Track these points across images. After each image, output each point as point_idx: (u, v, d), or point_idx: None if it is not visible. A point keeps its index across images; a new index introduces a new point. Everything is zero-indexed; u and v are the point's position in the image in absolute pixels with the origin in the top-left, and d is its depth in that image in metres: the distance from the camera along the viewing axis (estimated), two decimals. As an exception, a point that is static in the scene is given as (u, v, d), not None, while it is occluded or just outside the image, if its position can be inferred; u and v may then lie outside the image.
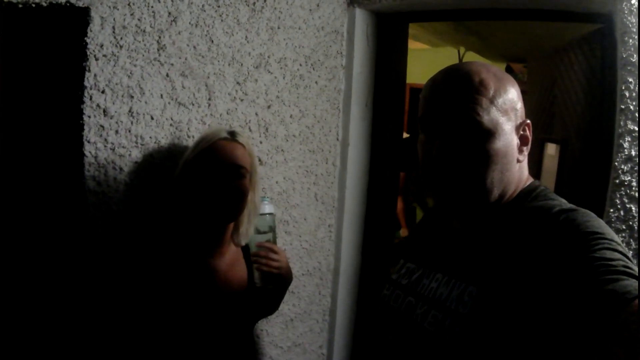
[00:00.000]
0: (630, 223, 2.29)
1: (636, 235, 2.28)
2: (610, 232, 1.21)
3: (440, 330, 1.34)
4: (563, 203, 1.36)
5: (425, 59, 6.73)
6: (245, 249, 2.14)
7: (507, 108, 1.38)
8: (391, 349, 1.56)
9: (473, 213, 1.46)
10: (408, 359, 1.46)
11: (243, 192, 1.95)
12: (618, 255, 1.13)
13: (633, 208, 2.28)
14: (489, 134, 1.34)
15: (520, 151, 1.43)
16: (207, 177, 1.87)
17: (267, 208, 2.09)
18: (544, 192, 1.44)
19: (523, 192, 1.44)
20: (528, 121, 1.44)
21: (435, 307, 1.40)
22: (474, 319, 1.28)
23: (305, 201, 2.89)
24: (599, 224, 1.23)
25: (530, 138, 1.45)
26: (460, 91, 1.37)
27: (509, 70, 5.90)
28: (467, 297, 1.32)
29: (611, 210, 2.32)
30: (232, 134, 1.96)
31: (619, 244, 1.18)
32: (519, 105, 1.43)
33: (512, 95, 1.41)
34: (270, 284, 2.07)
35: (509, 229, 1.36)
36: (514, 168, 1.42)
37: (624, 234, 2.30)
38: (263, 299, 2.16)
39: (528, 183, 1.47)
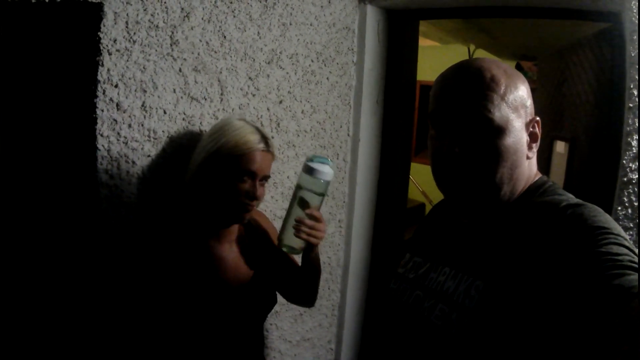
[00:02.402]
0: (638, 221, 2.29)
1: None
2: (617, 227, 1.21)
3: (447, 324, 1.35)
4: (570, 198, 1.36)
5: (436, 56, 6.72)
6: (249, 230, 2.17)
7: (518, 105, 1.38)
8: (399, 342, 1.56)
9: (482, 209, 1.47)
10: (416, 353, 1.47)
11: (260, 198, 1.98)
12: (624, 250, 1.13)
13: (641, 206, 2.28)
14: (499, 130, 1.34)
15: (530, 148, 1.43)
16: (237, 182, 1.90)
17: (328, 174, 1.98)
18: (552, 187, 1.44)
19: (531, 188, 1.44)
20: (537, 118, 1.44)
21: (442, 301, 1.40)
22: (480, 312, 1.28)
23: (316, 196, 2.89)
24: (606, 219, 1.23)
25: (539, 135, 1.45)
26: (471, 87, 1.36)
27: (519, 68, 5.88)
28: (474, 291, 1.32)
29: (619, 208, 2.32)
30: (267, 144, 1.96)
31: (626, 239, 1.17)
32: (529, 102, 1.43)
33: (522, 92, 1.40)
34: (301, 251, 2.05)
35: (516, 223, 1.36)
36: (524, 165, 1.41)
37: (631, 232, 2.30)
38: (280, 283, 2.19)
39: (536, 178, 1.47)
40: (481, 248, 1.41)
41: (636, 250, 1.16)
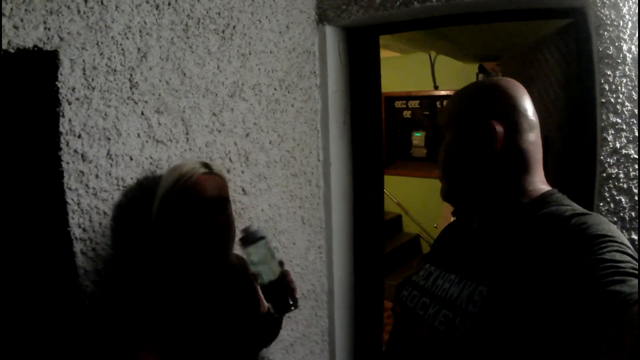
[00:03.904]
0: (622, 214, 2.30)
1: (628, 226, 2.28)
2: (620, 236, 1.23)
3: (450, 329, 1.37)
4: (576, 208, 1.39)
5: (397, 66, 6.76)
6: (241, 267, 2.13)
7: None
8: (405, 347, 1.58)
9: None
10: (421, 358, 1.48)
11: (232, 224, 1.95)
12: (627, 258, 1.15)
13: (623, 200, 2.28)
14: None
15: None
16: (195, 216, 1.86)
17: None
18: (559, 197, 1.47)
19: (538, 198, 1.46)
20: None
21: (446, 307, 1.44)
22: (483, 318, 1.31)
23: (293, 225, 2.90)
24: (610, 228, 1.25)
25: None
26: (479, 100, 1.53)
27: (482, 69, 5.90)
28: (478, 296, 1.35)
29: (601, 204, 2.33)
30: (208, 167, 1.95)
31: (629, 247, 1.20)
32: (531, 114, 1.57)
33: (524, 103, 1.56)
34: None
35: (522, 232, 1.39)
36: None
37: (615, 226, 2.30)
38: (266, 323, 2.15)
39: (546, 190, 1.50)
40: (486, 255, 1.45)
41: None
